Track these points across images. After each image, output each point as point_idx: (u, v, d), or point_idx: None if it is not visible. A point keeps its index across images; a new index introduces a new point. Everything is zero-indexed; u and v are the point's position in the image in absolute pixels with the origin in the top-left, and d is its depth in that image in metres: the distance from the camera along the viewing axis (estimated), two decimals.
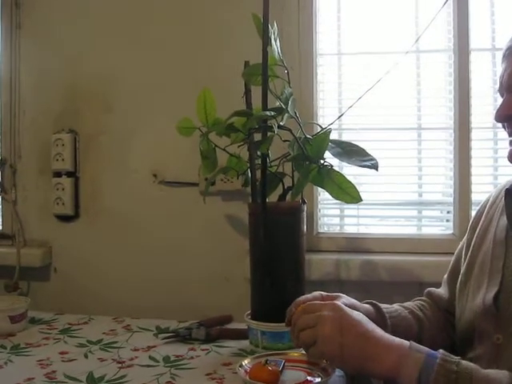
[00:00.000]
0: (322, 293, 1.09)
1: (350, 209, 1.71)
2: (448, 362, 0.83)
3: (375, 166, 1.16)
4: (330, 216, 1.74)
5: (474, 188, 1.60)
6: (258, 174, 1.30)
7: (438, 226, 1.69)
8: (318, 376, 1.08)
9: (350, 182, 1.19)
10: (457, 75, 1.61)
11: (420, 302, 1.25)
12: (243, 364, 1.12)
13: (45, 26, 1.79)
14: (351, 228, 1.71)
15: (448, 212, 1.65)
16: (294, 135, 1.22)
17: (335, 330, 0.90)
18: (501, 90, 1.04)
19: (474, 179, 1.61)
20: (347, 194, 1.19)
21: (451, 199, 1.63)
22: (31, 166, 1.81)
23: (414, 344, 0.88)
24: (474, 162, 1.61)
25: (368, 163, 1.16)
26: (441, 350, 0.86)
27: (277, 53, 1.25)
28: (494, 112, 1.04)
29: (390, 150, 1.65)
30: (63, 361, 1.22)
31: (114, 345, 1.33)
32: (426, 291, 1.28)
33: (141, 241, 1.73)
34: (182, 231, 1.71)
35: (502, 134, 1.57)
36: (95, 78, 1.76)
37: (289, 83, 1.26)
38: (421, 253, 1.59)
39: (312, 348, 0.94)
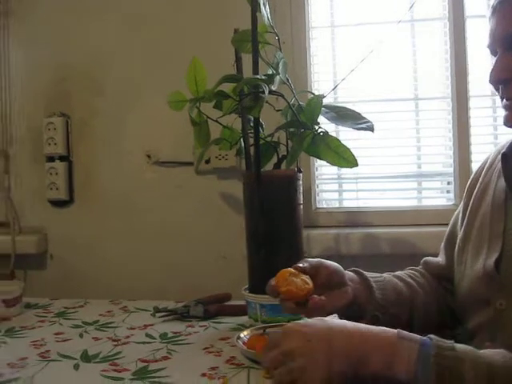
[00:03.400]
0: (301, 265, 0.98)
1: (349, 183, 1.68)
2: (443, 349, 0.74)
3: (371, 128, 1.13)
4: (329, 191, 1.71)
5: (473, 157, 1.57)
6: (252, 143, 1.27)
7: (439, 197, 1.65)
8: None
9: (346, 146, 1.16)
10: (453, 43, 1.57)
11: (410, 271, 1.19)
12: (241, 336, 1.10)
13: (35, 12, 1.76)
14: (350, 203, 1.68)
15: (448, 183, 1.62)
16: (286, 100, 1.19)
17: (308, 364, 0.76)
18: (493, 47, 0.95)
19: (473, 148, 1.58)
20: (343, 158, 1.16)
21: (451, 170, 1.60)
22: (24, 152, 1.78)
23: (402, 332, 0.78)
24: (473, 130, 1.58)
25: (363, 125, 1.13)
26: (431, 335, 0.76)
27: (266, 18, 1.22)
28: (488, 74, 0.95)
29: (387, 122, 1.61)
30: (57, 341, 1.20)
31: (110, 325, 1.31)
32: (422, 260, 1.23)
33: (137, 223, 1.71)
34: (178, 212, 1.68)
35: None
36: (85, 60, 1.73)
37: (280, 49, 1.22)
38: (422, 224, 1.56)
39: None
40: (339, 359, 0.76)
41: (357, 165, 1.17)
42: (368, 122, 1.15)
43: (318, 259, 1.03)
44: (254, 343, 1.04)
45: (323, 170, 1.69)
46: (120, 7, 1.70)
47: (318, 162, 1.67)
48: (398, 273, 1.15)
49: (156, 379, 0.96)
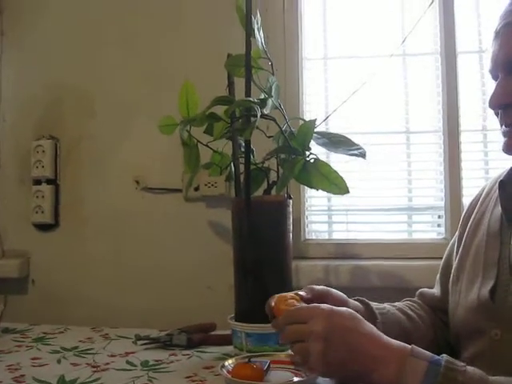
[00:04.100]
0: (302, 293, 1.00)
1: (339, 215, 1.67)
2: (453, 371, 0.74)
3: (363, 154, 1.12)
4: (318, 223, 1.69)
5: (465, 191, 1.56)
6: (242, 169, 1.26)
7: (429, 231, 1.64)
8: (306, 376, 1.02)
9: (337, 173, 1.14)
10: (444, 78, 1.59)
11: (409, 302, 1.19)
12: (226, 364, 1.05)
13: (27, 32, 1.76)
14: (340, 234, 1.66)
15: (439, 217, 1.61)
16: (278, 125, 1.18)
17: (326, 348, 0.81)
18: (494, 71, 0.95)
19: (464, 182, 1.57)
20: (334, 184, 1.14)
21: (442, 203, 1.59)
22: (11, 175, 1.76)
23: (416, 349, 0.80)
24: (464, 164, 1.58)
25: (356, 152, 1.12)
26: (444, 356, 0.77)
27: (260, 43, 1.22)
28: (489, 98, 0.95)
29: (378, 155, 1.61)
30: (33, 365, 1.15)
31: (90, 351, 1.26)
32: (417, 292, 1.23)
33: (122, 249, 1.67)
34: (165, 239, 1.65)
35: (492, 136, 1.57)
36: (77, 84, 1.73)
37: (273, 74, 1.22)
38: (412, 258, 1.54)
39: (306, 362, 0.85)
40: (352, 357, 0.81)
41: (348, 191, 1.15)
42: (360, 148, 1.14)
43: (324, 287, 1.04)
44: (238, 371, 1.00)
45: (313, 201, 1.67)
46: (114, 31, 1.71)
47: (308, 193, 1.66)
48: (398, 304, 1.15)
49: None
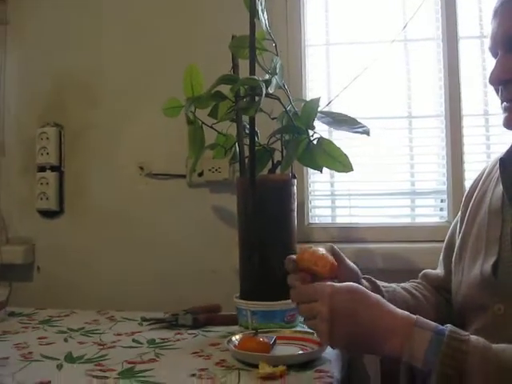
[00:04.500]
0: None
1: (342, 199, 1.67)
2: (456, 341, 0.76)
3: (367, 132, 1.13)
4: (322, 207, 1.70)
5: (467, 175, 1.57)
6: (247, 152, 1.27)
7: (432, 215, 1.65)
8: (312, 350, 1.03)
9: (341, 150, 1.16)
10: (446, 63, 1.59)
11: (413, 283, 1.21)
12: (232, 339, 1.07)
13: (31, 21, 1.77)
14: (343, 219, 1.67)
15: (442, 201, 1.61)
16: (282, 104, 1.19)
17: (334, 325, 0.84)
18: (494, 49, 0.97)
19: (467, 166, 1.58)
20: (339, 162, 1.15)
21: (444, 187, 1.60)
22: (15, 162, 1.77)
23: (421, 319, 0.81)
24: (466, 149, 1.58)
25: (359, 129, 1.13)
26: (449, 326, 0.79)
27: (264, 25, 1.23)
28: (489, 74, 0.96)
29: (380, 139, 1.61)
30: (41, 344, 1.16)
31: (96, 331, 1.27)
32: (421, 273, 1.25)
33: (127, 235, 1.68)
34: (170, 224, 1.66)
35: (494, 120, 1.58)
36: (81, 72, 1.74)
37: (277, 55, 1.23)
38: (415, 241, 1.55)
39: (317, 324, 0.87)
40: (359, 331, 0.83)
41: (352, 169, 1.16)
42: (364, 126, 1.15)
43: (341, 255, 1.07)
44: (245, 344, 1.01)
45: (316, 186, 1.68)
46: (116, 19, 1.72)
47: (312, 178, 1.67)
48: (403, 284, 1.17)
49: (143, 378, 0.93)
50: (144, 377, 0.94)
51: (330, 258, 0.95)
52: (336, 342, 0.86)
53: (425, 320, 0.82)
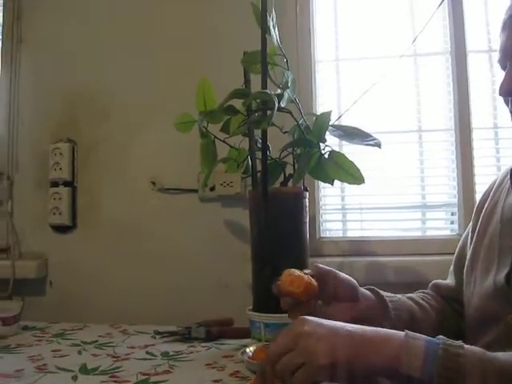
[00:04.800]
0: (306, 271, 0.96)
1: (353, 213, 1.68)
2: (452, 346, 0.73)
3: (378, 144, 1.14)
4: (333, 221, 1.70)
5: (477, 188, 1.57)
6: (259, 165, 1.28)
7: (443, 228, 1.65)
8: None
9: (352, 163, 1.16)
10: (455, 77, 1.61)
11: (422, 293, 1.20)
12: (246, 351, 1.07)
13: (45, 39, 1.81)
14: (354, 233, 1.67)
15: (452, 214, 1.62)
16: (294, 118, 1.21)
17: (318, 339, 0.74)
18: (503, 61, 0.98)
19: (477, 179, 1.58)
20: (349, 174, 1.16)
21: (455, 200, 1.60)
22: (29, 178, 1.79)
23: (410, 332, 0.77)
24: (476, 161, 1.59)
25: (371, 142, 1.14)
26: (440, 336, 0.76)
27: (276, 40, 1.25)
28: (499, 86, 0.97)
29: (391, 153, 1.62)
30: (55, 356, 1.17)
31: (110, 344, 1.28)
32: (431, 283, 1.23)
33: (140, 250, 1.69)
34: (182, 239, 1.67)
35: (503, 133, 1.59)
36: (93, 88, 1.76)
37: (288, 70, 1.25)
38: (426, 253, 1.55)
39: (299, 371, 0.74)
40: (345, 349, 0.74)
41: (363, 181, 1.17)
42: (375, 139, 1.16)
43: (332, 270, 1.01)
44: (259, 355, 1.01)
45: (327, 200, 1.69)
46: (128, 33, 1.75)
47: (323, 192, 1.68)
48: (410, 295, 1.16)
49: None
50: None
51: (307, 278, 0.91)
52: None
53: (413, 333, 0.77)
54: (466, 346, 0.74)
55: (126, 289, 1.68)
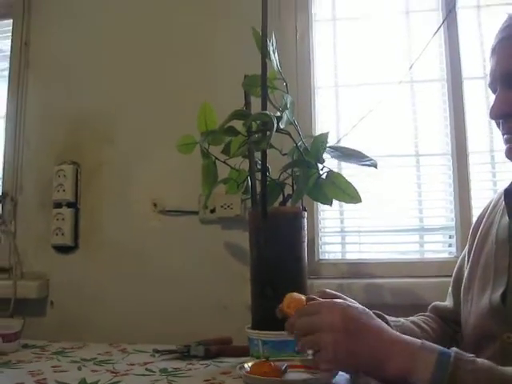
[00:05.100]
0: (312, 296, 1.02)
1: (352, 236, 1.70)
2: (463, 362, 0.77)
3: (374, 165, 1.17)
4: (332, 244, 1.72)
5: (474, 212, 1.59)
6: (259, 187, 1.30)
7: (441, 251, 1.66)
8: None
9: (350, 183, 1.19)
10: (451, 103, 1.65)
11: (423, 316, 1.23)
12: (244, 366, 1.08)
13: (51, 64, 1.86)
14: (353, 255, 1.69)
15: (450, 237, 1.64)
16: (293, 139, 1.24)
17: (341, 339, 0.84)
18: (493, 85, 1.03)
19: (474, 203, 1.61)
20: (347, 194, 1.19)
21: (453, 223, 1.63)
22: (32, 199, 1.81)
23: (426, 342, 0.82)
24: (473, 185, 1.62)
25: (367, 162, 1.17)
26: (454, 348, 0.80)
27: (276, 65, 1.29)
28: (489, 110, 1.02)
29: (389, 177, 1.65)
30: (55, 372, 1.17)
31: (109, 361, 1.28)
32: (430, 306, 1.26)
33: (140, 271, 1.70)
34: (182, 260, 1.68)
35: (499, 157, 1.62)
36: (97, 111, 1.80)
37: (287, 93, 1.29)
38: (424, 276, 1.56)
39: (317, 354, 0.86)
40: (363, 351, 0.83)
41: (360, 201, 1.20)
42: (371, 159, 1.19)
43: (337, 293, 1.06)
44: (256, 369, 1.02)
45: (326, 222, 1.71)
46: (132, 58, 1.80)
47: (322, 215, 1.70)
48: (412, 318, 1.19)
49: None
50: None
51: (305, 301, 0.96)
52: (341, 360, 0.85)
53: (430, 343, 0.82)
54: (477, 360, 0.78)
55: (127, 309, 1.69)
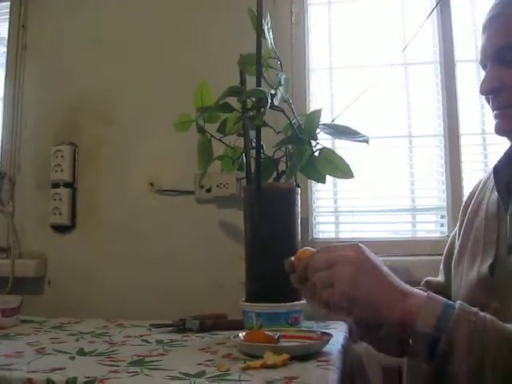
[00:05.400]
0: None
1: (345, 215, 1.73)
2: (466, 312, 0.79)
3: (366, 140, 1.20)
4: (326, 223, 1.75)
5: (465, 192, 1.61)
6: (254, 163, 1.33)
7: (433, 230, 1.69)
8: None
9: (342, 159, 1.22)
10: (444, 85, 1.67)
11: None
12: (239, 335, 1.10)
13: (49, 46, 1.88)
14: (347, 234, 1.72)
15: (442, 217, 1.66)
16: (287, 116, 1.26)
17: (356, 272, 0.83)
18: (484, 61, 1.04)
19: (465, 183, 1.63)
20: (339, 169, 1.21)
21: (444, 204, 1.65)
22: (30, 179, 1.84)
23: (432, 294, 0.84)
24: (464, 166, 1.64)
25: (360, 138, 1.19)
26: (459, 301, 0.82)
27: (270, 44, 1.31)
28: (479, 85, 1.04)
29: (382, 158, 1.68)
30: (53, 342, 1.20)
31: (106, 334, 1.31)
32: (423, 281, 1.29)
33: (137, 250, 1.73)
34: (178, 239, 1.71)
35: (491, 138, 1.64)
36: (95, 92, 1.82)
37: (281, 71, 1.31)
38: (417, 254, 1.59)
39: (325, 290, 0.85)
40: (373, 291, 0.83)
41: (353, 176, 1.22)
42: (364, 136, 1.21)
43: None
44: (250, 338, 1.05)
45: (320, 202, 1.74)
46: (128, 42, 1.81)
47: (316, 195, 1.73)
48: None
49: (152, 367, 0.97)
50: (153, 365, 0.98)
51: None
52: (350, 299, 0.84)
53: (435, 295, 0.84)
54: (480, 313, 0.80)
55: (123, 288, 1.71)
